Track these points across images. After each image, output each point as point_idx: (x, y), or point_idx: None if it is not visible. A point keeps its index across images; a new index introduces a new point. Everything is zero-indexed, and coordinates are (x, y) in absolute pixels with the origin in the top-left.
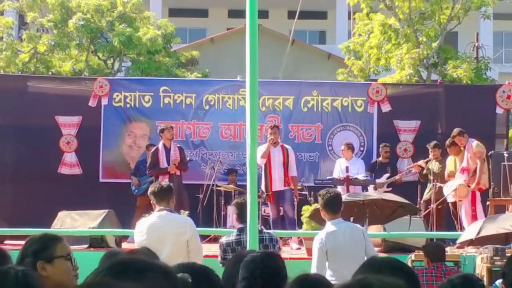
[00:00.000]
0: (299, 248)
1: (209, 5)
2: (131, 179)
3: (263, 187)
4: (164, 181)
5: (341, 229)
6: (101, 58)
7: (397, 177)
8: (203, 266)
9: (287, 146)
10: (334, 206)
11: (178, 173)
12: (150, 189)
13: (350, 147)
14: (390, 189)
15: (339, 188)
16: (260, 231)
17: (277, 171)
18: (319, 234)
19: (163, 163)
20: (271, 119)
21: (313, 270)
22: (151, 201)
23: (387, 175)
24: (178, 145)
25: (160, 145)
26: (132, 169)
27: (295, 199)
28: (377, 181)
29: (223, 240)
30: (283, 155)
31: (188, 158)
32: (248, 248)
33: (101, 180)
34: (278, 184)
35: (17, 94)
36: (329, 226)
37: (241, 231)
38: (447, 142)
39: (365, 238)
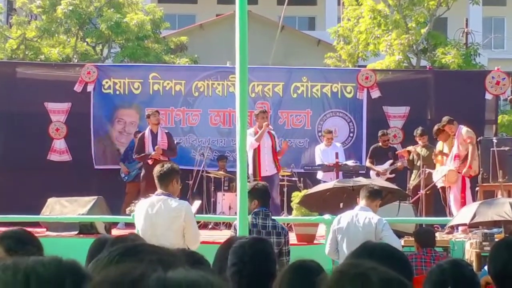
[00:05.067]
0: None
1: None
2: (120, 166)
3: (250, 172)
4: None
5: (359, 214)
6: (90, 44)
7: (398, 164)
8: (192, 252)
9: (271, 131)
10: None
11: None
12: (154, 170)
13: (329, 131)
14: (394, 175)
15: (329, 174)
16: (267, 217)
17: (267, 156)
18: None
19: (148, 149)
20: (261, 105)
21: (326, 246)
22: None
23: (390, 161)
24: (166, 131)
25: (147, 131)
26: (121, 154)
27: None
28: (380, 167)
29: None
30: (271, 140)
31: (176, 142)
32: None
33: (95, 167)
34: (267, 169)
35: (5, 80)
36: (354, 210)
37: (257, 214)
38: (435, 128)
39: (376, 228)
